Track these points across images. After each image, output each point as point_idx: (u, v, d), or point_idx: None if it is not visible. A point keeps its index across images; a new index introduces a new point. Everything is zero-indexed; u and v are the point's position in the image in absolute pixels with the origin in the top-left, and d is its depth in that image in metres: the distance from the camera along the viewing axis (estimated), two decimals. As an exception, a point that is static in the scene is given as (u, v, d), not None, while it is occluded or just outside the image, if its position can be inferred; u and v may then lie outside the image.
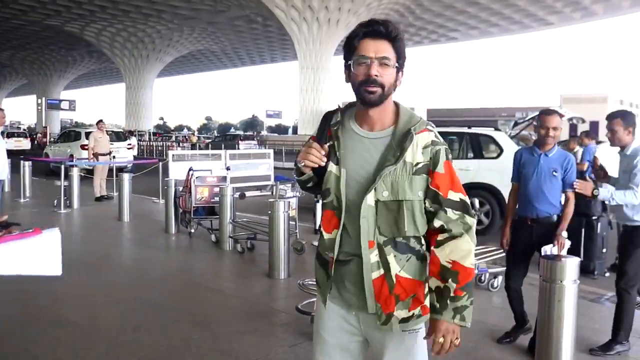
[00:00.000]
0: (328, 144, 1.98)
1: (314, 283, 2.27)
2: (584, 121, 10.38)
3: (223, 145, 28.23)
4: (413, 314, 1.97)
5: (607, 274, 6.57)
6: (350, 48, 1.93)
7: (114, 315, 4.88)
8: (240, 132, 54.77)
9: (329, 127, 2.03)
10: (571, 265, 3.39)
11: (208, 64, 67.73)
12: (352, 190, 1.94)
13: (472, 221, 1.96)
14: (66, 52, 58.50)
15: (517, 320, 4.36)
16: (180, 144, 38.93)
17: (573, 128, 26.05)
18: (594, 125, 28.99)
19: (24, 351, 4.07)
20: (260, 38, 50.92)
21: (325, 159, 1.95)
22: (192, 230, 8.44)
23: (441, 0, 38.24)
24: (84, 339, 4.30)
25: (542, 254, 3.90)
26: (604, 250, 6.73)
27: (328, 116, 2.08)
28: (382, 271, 1.93)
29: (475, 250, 2.31)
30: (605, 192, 4.05)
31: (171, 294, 5.61)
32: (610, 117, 4.24)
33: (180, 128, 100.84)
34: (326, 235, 2.01)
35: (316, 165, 1.95)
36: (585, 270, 6.25)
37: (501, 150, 9.08)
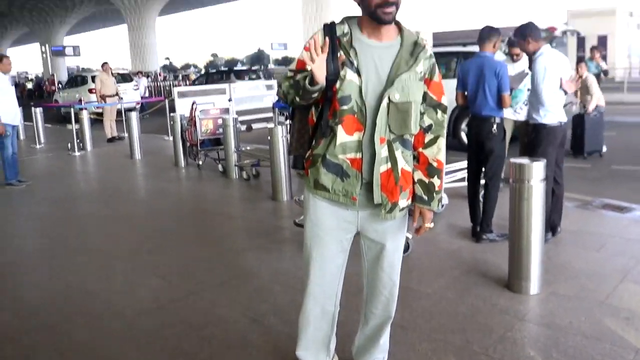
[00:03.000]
0: (339, 53, 2.13)
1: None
2: (578, 34, 10.38)
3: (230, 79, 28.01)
4: (408, 202, 2.37)
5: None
6: None
7: (131, 241, 5.33)
8: (243, 68, 54.23)
9: (337, 39, 2.17)
10: (538, 167, 3.68)
11: (210, -2, 66.45)
12: (369, 95, 2.16)
13: (446, 122, 2.38)
14: (64, -4, 57.66)
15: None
16: (188, 82, 38.84)
17: (581, 43, 25.60)
18: (602, 39, 28.43)
19: (53, 275, 4.54)
20: (260, -32, 49.69)
21: (322, 53, 2.06)
22: (200, 162, 8.84)
23: None
24: (105, 262, 4.75)
25: None
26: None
27: (332, 27, 2.20)
28: (389, 165, 2.23)
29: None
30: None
31: (182, 220, 6.04)
32: None
33: (187, 67, 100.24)
34: (347, 138, 2.18)
35: (316, 57, 2.04)
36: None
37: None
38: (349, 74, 2.15)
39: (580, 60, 9.76)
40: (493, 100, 4.68)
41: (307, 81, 2.09)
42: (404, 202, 2.32)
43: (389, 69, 2.18)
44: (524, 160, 3.74)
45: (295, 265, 4.36)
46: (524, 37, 4.61)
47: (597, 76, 9.86)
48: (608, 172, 7.83)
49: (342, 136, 2.18)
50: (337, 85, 2.16)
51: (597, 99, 8.95)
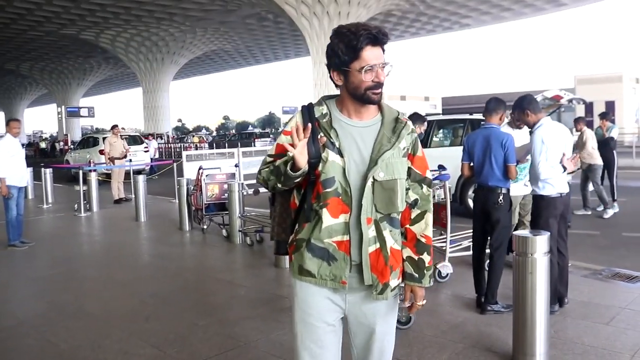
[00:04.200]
0: (320, 135, 2.09)
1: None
2: (584, 102, 10.46)
3: (239, 144, 28.62)
4: (399, 282, 2.26)
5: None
6: (354, 55, 2.06)
7: (128, 307, 5.23)
8: (256, 130, 55.15)
9: (317, 120, 2.13)
10: (541, 240, 3.61)
11: (222, 63, 68.03)
12: (353, 175, 2.09)
13: (432, 196, 2.32)
14: (83, 60, 59.44)
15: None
16: (197, 146, 39.47)
17: (589, 108, 25.81)
18: (610, 105, 28.72)
19: (46, 341, 4.43)
20: (273, 35, 51.10)
21: (304, 137, 1.99)
22: (205, 227, 8.80)
23: (452, -13, 38.30)
24: (100, 329, 4.64)
25: None
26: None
27: (310, 109, 2.17)
28: (378, 245, 2.13)
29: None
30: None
31: (182, 286, 5.94)
32: None
33: (198, 129, 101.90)
34: (332, 221, 2.09)
35: (297, 142, 1.98)
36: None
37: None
38: (331, 156, 2.09)
39: (578, 119, 9.81)
40: (499, 171, 4.68)
41: (288, 167, 2.04)
42: (395, 281, 2.21)
43: (372, 148, 2.13)
44: (527, 233, 3.68)
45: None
46: (522, 109, 4.65)
47: (605, 142, 9.84)
48: (619, 239, 7.69)
49: (328, 219, 2.10)
50: (320, 167, 2.10)
51: (587, 154, 9.24)
